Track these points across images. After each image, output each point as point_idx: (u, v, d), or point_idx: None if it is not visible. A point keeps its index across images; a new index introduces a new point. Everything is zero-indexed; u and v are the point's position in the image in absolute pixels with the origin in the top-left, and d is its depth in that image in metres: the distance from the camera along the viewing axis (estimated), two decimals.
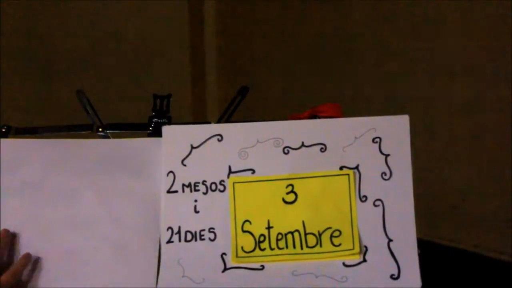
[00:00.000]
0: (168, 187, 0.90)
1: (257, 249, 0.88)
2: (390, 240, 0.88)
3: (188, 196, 0.90)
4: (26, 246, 0.88)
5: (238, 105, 0.97)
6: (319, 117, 0.93)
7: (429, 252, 0.91)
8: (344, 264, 0.88)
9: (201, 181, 0.90)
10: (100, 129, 0.94)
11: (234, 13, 2.74)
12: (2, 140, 0.91)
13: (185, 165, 0.90)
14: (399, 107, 2.15)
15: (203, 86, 2.82)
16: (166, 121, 0.93)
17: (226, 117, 0.96)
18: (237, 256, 0.88)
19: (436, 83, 2.12)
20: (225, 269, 0.88)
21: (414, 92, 2.17)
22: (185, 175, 0.90)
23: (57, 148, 0.91)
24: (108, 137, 0.94)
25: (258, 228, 0.89)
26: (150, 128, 0.93)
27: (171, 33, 2.70)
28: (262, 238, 0.89)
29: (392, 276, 0.87)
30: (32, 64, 2.47)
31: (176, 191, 0.90)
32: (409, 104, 2.13)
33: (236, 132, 0.91)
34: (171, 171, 0.90)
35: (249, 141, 0.91)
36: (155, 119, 0.94)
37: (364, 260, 0.88)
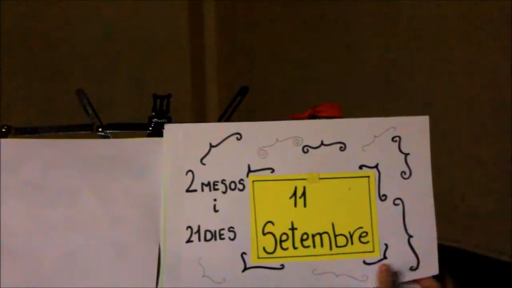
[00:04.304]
0: (187, 186, 0.89)
1: (279, 248, 0.88)
2: (410, 237, 0.89)
3: (208, 195, 0.89)
4: (25, 246, 0.88)
5: (238, 105, 0.96)
6: (319, 117, 0.93)
7: None
8: (364, 262, 0.89)
9: (220, 180, 0.90)
10: (100, 129, 0.94)
11: (234, 13, 2.74)
12: (2, 140, 0.91)
13: (204, 164, 0.90)
14: (399, 107, 2.15)
15: (203, 86, 2.82)
16: (166, 121, 0.93)
17: (226, 117, 0.96)
18: (258, 257, 0.88)
19: (436, 83, 2.12)
20: (245, 268, 0.88)
21: (414, 92, 2.17)
22: (204, 174, 0.90)
23: (57, 148, 0.91)
24: (108, 137, 0.94)
25: (281, 229, 0.89)
26: (150, 128, 0.93)
27: (171, 33, 2.70)
28: (284, 237, 0.89)
29: (411, 268, 0.88)
30: (32, 64, 2.47)
31: (195, 190, 0.89)
32: (409, 104, 2.13)
33: (255, 131, 0.91)
34: (190, 170, 0.90)
35: (268, 140, 0.90)
36: (155, 119, 0.94)
37: (384, 257, 0.89)
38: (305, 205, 0.89)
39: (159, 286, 0.88)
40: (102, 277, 0.87)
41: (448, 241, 2.00)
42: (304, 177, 0.90)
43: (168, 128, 0.91)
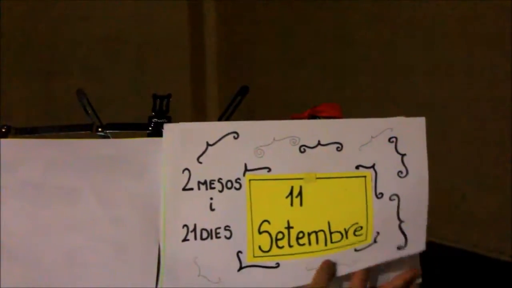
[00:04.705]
0: (184, 184, 0.89)
1: (275, 246, 0.88)
2: (401, 222, 0.89)
3: (204, 194, 0.89)
4: (25, 246, 0.88)
5: (238, 105, 0.96)
6: (318, 117, 0.93)
7: (428, 252, 0.91)
8: (355, 249, 0.88)
9: (216, 179, 0.89)
10: (100, 129, 0.94)
11: (234, 13, 2.75)
12: (2, 140, 0.91)
13: (200, 163, 0.89)
14: (398, 107, 2.15)
15: (203, 86, 2.82)
16: (165, 121, 0.93)
17: (226, 117, 0.96)
18: (254, 256, 0.88)
19: (435, 83, 2.13)
20: (241, 267, 0.88)
21: (414, 92, 2.17)
22: (200, 173, 0.89)
23: (57, 148, 0.91)
24: (108, 137, 0.94)
25: (277, 228, 0.89)
26: (150, 128, 0.93)
27: (171, 33, 2.70)
28: (280, 236, 0.88)
29: (399, 247, 0.88)
30: (32, 64, 2.47)
31: (191, 189, 0.89)
32: (409, 105, 2.13)
33: (253, 130, 0.90)
34: (186, 168, 0.89)
35: (265, 139, 0.90)
36: (155, 119, 0.93)
37: (375, 242, 0.88)
38: (301, 204, 0.89)
39: (159, 286, 0.87)
40: (102, 277, 0.87)
41: (448, 241, 2.00)
42: (300, 177, 0.90)
43: (168, 128, 0.91)
